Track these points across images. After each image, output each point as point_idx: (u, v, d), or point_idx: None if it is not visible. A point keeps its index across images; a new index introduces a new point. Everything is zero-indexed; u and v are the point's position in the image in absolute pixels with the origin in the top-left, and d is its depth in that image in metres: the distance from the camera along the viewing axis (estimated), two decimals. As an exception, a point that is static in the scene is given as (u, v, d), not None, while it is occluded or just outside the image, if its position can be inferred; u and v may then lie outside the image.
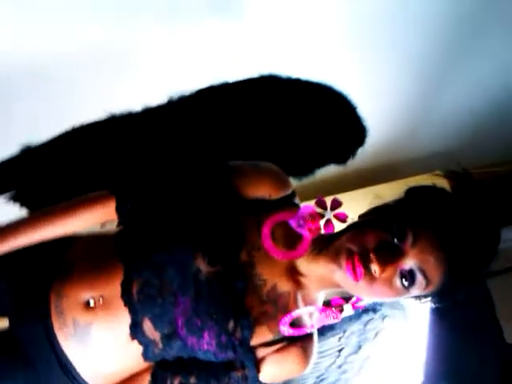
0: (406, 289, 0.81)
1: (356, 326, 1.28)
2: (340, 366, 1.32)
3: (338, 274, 0.83)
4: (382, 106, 1.34)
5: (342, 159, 1.16)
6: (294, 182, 1.05)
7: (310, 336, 0.92)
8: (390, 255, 0.79)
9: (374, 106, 1.26)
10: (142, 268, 0.87)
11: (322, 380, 1.31)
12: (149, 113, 1.10)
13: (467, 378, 1.21)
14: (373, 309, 1.29)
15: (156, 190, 0.94)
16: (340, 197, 0.92)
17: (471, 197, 0.83)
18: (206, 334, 0.84)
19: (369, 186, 1.48)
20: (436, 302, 0.86)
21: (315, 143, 1.16)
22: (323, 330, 1.20)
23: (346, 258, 0.81)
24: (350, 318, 1.26)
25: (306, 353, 0.90)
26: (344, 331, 1.25)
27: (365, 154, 1.20)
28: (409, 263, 0.80)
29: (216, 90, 1.13)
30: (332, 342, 1.25)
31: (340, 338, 1.26)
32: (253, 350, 0.88)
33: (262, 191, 0.92)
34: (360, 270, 0.80)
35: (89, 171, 1.06)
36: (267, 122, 1.13)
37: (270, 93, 1.15)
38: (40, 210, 0.93)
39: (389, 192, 0.90)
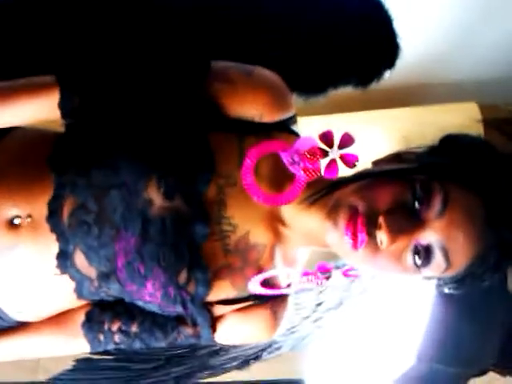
0: (418, 268, 0.61)
1: (341, 281, 1.11)
2: (315, 321, 1.17)
3: (331, 236, 0.64)
4: (421, 20, 1.09)
5: (363, 79, 0.92)
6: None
7: (283, 297, 0.75)
8: (405, 223, 0.60)
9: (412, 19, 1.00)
10: (77, 185, 0.68)
11: (292, 332, 1.16)
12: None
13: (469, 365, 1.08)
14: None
15: (112, 85, 0.71)
16: (349, 118, 0.69)
17: None
18: (149, 284, 0.67)
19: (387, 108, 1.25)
20: (451, 288, 0.68)
21: (334, 53, 0.91)
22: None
23: (346, 216, 0.61)
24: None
25: (274, 317, 0.75)
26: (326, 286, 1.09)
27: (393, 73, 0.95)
28: (428, 237, 0.60)
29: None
30: (310, 295, 1.09)
31: (320, 293, 1.10)
32: (208, 307, 0.71)
33: (252, 109, 0.70)
34: (363, 236, 0.60)
35: (34, 47, 0.82)
36: (274, 15, 0.86)
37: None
38: None
39: (413, 121, 0.67)
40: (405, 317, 1.25)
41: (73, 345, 0.80)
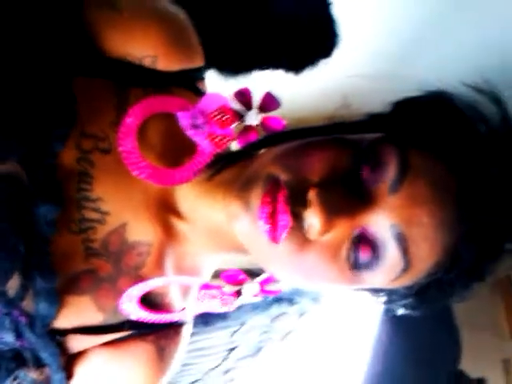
0: (359, 269, 0.43)
1: (260, 320, 0.91)
2: (226, 372, 0.95)
3: (241, 223, 0.43)
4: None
5: (295, 64, 0.77)
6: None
7: (175, 328, 0.53)
8: (345, 200, 0.41)
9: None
10: None
11: (197, 387, 0.93)
12: None
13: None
14: (289, 299, 0.92)
15: None
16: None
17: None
18: None
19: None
20: (407, 307, 0.49)
21: (263, 27, 0.76)
22: (208, 319, 0.80)
23: (263, 190, 0.42)
24: (255, 307, 0.88)
25: (160, 358, 0.52)
26: (241, 324, 0.87)
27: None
28: (378, 221, 0.41)
29: None
30: (221, 336, 0.87)
31: (233, 333, 0.88)
32: (59, 336, 0.48)
33: (141, 47, 0.50)
34: (285, 217, 0.41)
35: None
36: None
37: None
38: None
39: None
40: (341, 360, 1.06)
41: None
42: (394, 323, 0.95)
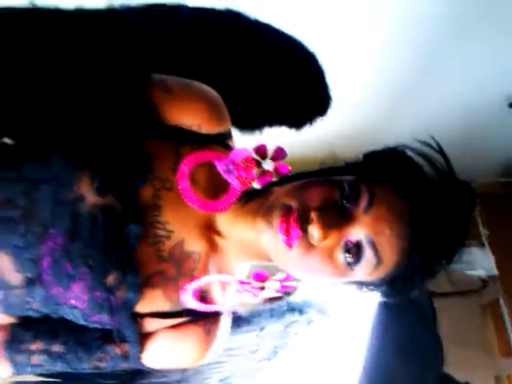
0: (350, 266, 0.65)
1: (276, 326, 1.11)
2: (251, 371, 1.15)
3: (266, 236, 0.67)
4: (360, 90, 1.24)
5: (297, 122, 1.01)
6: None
7: (217, 317, 0.75)
8: (335, 217, 0.64)
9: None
10: (6, 178, 0.68)
11: (225, 384, 1.13)
12: (81, 14, 0.89)
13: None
14: (299, 309, 1.13)
15: (44, 86, 0.74)
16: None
17: (449, 180, 0.68)
18: (75, 285, 0.66)
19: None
20: (384, 295, 0.71)
21: (271, 96, 0.99)
22: (238, 322, 1.02)
23: (280, 214, 0.65)
24: (272, 315, 1.09)
25: (208, 337, 0.74)
26: (261, 328, 1.08)
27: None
28: (357, 233, 0.64)
29: (169, 9, 0.95)
30: (246, 338, 1.08)
31: (256, 337, 1.09)
32: (137, 318, 0.70)
33: (190, 119, 0.74)
34: (296, 231, 0.64)
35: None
36: (216, 57, 0.95)
37: (233, 29, 0.99)
38: None
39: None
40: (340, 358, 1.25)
41: None
42: (384, 327, 1.14)
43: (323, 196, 0.65)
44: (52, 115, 0.71)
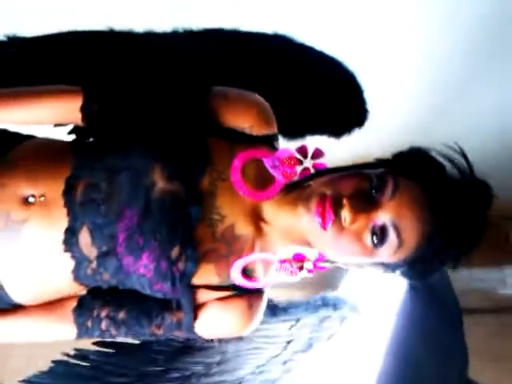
0: (375, 246, 0.77)
1: (311, 319, 1.22)
2: (284, 363, 1.26)
3: (304, 220, 0.79)
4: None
5: (336, 132, 1.14)
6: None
7: (260, 294, 0.87)
8: (363, 204, 0.76)
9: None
10: (92, 167, 0.83)
11: (261, 372, 1.24)
12: (150, 37, 1.07)
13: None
14: (333, 305, 1.24)
15: (128, 95, 0.90)
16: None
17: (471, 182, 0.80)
18: (144, 255, 0.79)
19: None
20: (406, 276, 0.82)
21: (312, 109, 1.14)
22: (276, 311, 1.13)
23: (317, 201, 0.78)
24: (306, 308, 1.20)
25: (251, 310, 0.86)
26: (297, 320, 1.19)
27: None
28: (383, 217, 0.76)
29: (225, 33, 1.11)
30: (282, 328, 1.19)
31: (291, 327, 1.20)
32: (193, 289, 0.83)
33: (243, 121, 0.89)
34: (330, 214, 0.76)
35: (70, 72, 1.03)
36: (268, 74, 1.11)
37: (280, 50, 1.14)
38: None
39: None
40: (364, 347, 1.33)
41: (60, 330, 0.88)
42: (410, 317, 1.22)
43: (354, 186, 0.78)
44: (134, 117, 0.87)
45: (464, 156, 0.80)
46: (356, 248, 0.78)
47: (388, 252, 0.78)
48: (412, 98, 1.50)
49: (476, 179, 0.80)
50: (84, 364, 1.05)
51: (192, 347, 1.12)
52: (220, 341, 1.12)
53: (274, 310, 1.13)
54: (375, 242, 0.76)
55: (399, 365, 1.25)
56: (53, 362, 1.04)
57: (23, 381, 1.04)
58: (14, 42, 1.06)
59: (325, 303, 1.23)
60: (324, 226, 0.77)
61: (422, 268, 0.80)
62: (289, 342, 1.22)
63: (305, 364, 1.28)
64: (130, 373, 1.09)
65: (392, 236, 0.76)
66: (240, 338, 1.15)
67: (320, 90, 1.16)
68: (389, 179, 0.77)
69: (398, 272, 0.82)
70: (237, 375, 1.20)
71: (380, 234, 0.76)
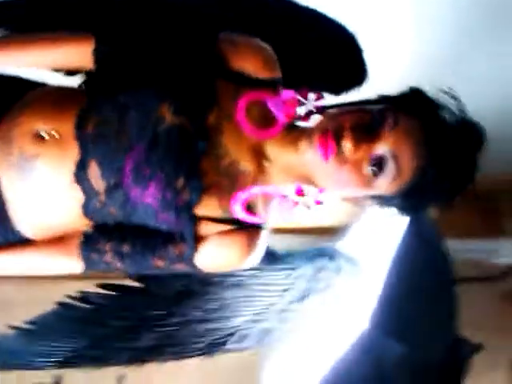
0: (375, 175, 0.80)
1: (307, 269, 1.26)
2: (281, 312, 1.29)
3: (307, 154, 0.83)
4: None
5: (336, 89, 1.17)
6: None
7: (259, 229, 0.90)
8: (364, 135, 0.80)
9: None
10: (103, 105, 0.86)
11: (258, 321, 1.28)
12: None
13: (415, 348, 1.21)
14: (330, 256, 1.27)
15: (138, 38, 0.94)
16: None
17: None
18: (151, 186, 0.83)
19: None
20: (400, 209, 0.86)
21: (313, 65, 1.16)
22: (272, 259, 1.17)
23: (319, 134, 0.81)
24: (303, 257, 1.24)
25: (250, 244, 0.89)
26: (293, 268, 1.23)
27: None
28: (382, 148, 0.80)
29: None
30: (278, 276, 1.23)
31: (288, 276, 1.24)
32: (196, 220, 0.86)
33: (249, 65, 0.91)
34: (332, 145, 0.79)
35: (78, 17, 1.05)
36: (271, 31, 1.13)
37: (283, 10, 1.16)
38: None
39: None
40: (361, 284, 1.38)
41: (67, 263, 0.92)
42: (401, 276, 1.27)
43: (355, 119, 0.81)
44: (144, 59, 0.91)
45: (458, 100, 0.84)
46: (356, 178, 0.81)
47: (386, 182, 0.81)
48: (412, 55, 1.54)
49: (470, 121, 0.84)
50: (87, 306, 1.09)
51: (191, 292, 1.16)
52: (219, 285, 1.16)
53: (271, 257, 1.16)
54: (375, 170, 0.80)
55: (389, 317, 1.30)
56: (57, 303, 1.07)
57: (28, 322, 1.07)
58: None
59: (321, 253, 1.27)
60: (326, 157, 0.80)
61: (416, 200, 0.84)
62: (285, 291, 1.26)
63: (300, 314, 1.32)
64: (131, 316, 1.13)
65: (390, 165, 0.80)
66: (238, 285, 1.19)
67: (321, 49, 1.18)
68: (389, 114, 0.81)
69: (393, 206, 0.86)
70: (234, 322, 1.24)
71: (379, 164, 0.80)
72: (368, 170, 0.80)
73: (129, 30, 0.95)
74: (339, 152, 0.80)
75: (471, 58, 1.73)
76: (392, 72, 1.41)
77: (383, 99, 0.86)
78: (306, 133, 0.84)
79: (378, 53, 1.28)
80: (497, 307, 2.08)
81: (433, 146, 0.79)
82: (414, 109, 0.82)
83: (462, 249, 2.00)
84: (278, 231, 1.03)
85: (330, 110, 0.86)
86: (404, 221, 1.38)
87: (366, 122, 0.81)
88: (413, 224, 1.31)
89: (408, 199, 0.84)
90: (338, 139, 0.79)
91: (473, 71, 1.77)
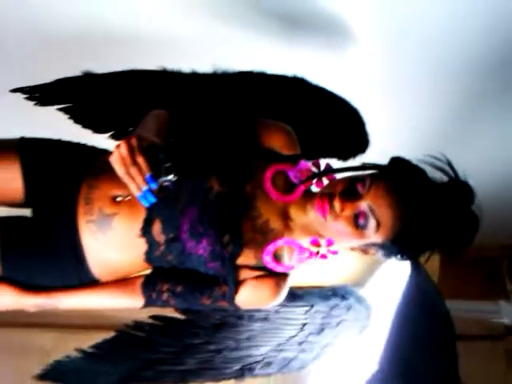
0: (362, 228, 1.03)
1: (322, 307, 1.49)
2: (300, 343, 1.53)
3: (311, 214, 1.08)
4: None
5: (343, 156, 1.42)
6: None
7: (285, 276, 1.15)
8: (349, 196, 1.03)
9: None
10: None
11: (281, 350, 1.51)
12: (195, 75, 1.38)
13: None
14: (342, 295, 1.51)
15: (197, 130, 1.22)
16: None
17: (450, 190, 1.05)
18: (204, 240, 1.08)
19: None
20: (395, 254, 1.08)
21: (324, 137, 1.43)
22: (294, 297, 1.42)
23: (318, 199, 1.07)
24: (319, 296, 1.48)
25: (278, 287, 1.14)
26: (311, 306, 1.46)
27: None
28: (363, 205, 1.02)
29: (254, 75, 1.41)
30: (298, 312, 1.46)
31: (306, 312, 1.47)
32: (237, 268, 1.12)
33: (276, 143, 1.18)
34: (326, 206, 1.04)
35: (134, 107, 1.34)
36: (290, 109, 1.40)
37: (297, 89, 1.43)
38: None
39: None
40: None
41: (130, 300, 1.17)
42: (404, 324, 1.44)
43: (343, 186, 1.05)
44: (201, 142, 1.18)
45: (449, 163, 1.06)
46: (348, 231, 1.04)
47: (371, 232, 1.03)
48: (414, 129, 1.76)
49: (451, 183, 1.05)
50: (140, 334, 1.34)
51: (226, 324, 1.40)
52: (249, 319, 1.40)
53: (292, 295, 1.41)
54: (361, 224, 1.03)
55: (396, 360, 1.48)
56: (116, 331, 1.32)
57: (92, 346, 1.32)
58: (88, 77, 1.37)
59: (334, 293, 1.51)
60: (323, 215, 1.05)
61: (405, 245, 1.05)
62: (304, 325, 1.49)
63: (317, 346, 1.55)
64: (176, 343, 1.37)
65: (372, 220, 1.03)
66: (265, 318, 1.43)
67: (330, 122, 1.45)
68: (368, 179, 1.04)
69: (391, 253, 1.09)
70: (261, 351, 1.47)
71: (364, 218, 1.02)
72: (358, 223, 1.04)
73: (186, 119, 1.24)
74: (331, 211, 1.04)
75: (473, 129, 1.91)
76: (392, 141, 1.63)
77: (370, 167, 1.09)
78: (311, 198, 1.10)
79: (380, 126, 1.52)
80: (501, 365, 2.21)
81: (406, 201, 1.00)
82: (389, 174, 1.05)
83: (465, 308, 2.17)
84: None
85: (326, 180, 1.13)
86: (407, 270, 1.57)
87: (351, 188, 1.04)
88: (412, 277, 1.50)
89: (397, 245, 1.06)
90: (330, 201, 1.04)
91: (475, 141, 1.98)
